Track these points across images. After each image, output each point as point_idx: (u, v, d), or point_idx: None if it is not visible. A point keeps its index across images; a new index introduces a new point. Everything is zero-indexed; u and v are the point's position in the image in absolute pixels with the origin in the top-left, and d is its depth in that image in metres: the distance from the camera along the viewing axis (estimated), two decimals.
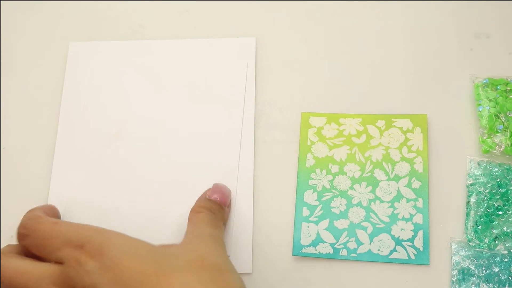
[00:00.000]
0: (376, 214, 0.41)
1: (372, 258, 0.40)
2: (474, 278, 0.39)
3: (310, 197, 0.42)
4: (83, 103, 0.47)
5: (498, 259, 0.39)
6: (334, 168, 0.43)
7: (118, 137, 0.46)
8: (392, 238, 0.41)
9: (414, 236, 0.41)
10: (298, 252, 0.41)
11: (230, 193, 0.42)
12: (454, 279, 0.39)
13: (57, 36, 0.51)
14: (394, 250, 0.40)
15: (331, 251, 0.41)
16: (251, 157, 0.44)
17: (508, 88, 0.44)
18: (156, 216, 0.43)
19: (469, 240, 0.40)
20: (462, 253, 0.40)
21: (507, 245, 0.39)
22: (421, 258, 0.40)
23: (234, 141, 0.45)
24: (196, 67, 0.48)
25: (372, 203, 0.42)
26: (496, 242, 0.40)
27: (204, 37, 0.49)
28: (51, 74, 0.49)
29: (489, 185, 0.41)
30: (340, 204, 0.42)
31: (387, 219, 0.41)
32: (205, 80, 0.47)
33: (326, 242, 0.41)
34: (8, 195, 0.45)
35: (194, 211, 0.38)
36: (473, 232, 0.40)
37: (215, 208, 0.39)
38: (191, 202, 0.40)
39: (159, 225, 0.42)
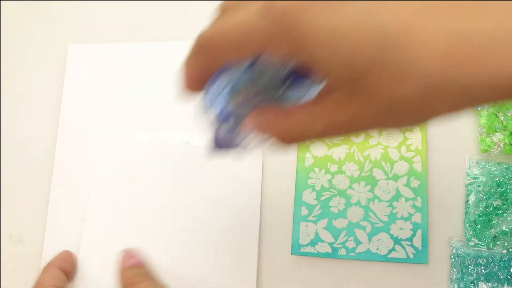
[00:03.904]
0: (375, 213, 0.41)
1: (371, 257, 0.40)
2: (472, 277, 0.39)
3: (308, 196, 0.42)
4: (83, 104, 0.47)
5: (497, 258, 0.39)
6: (333, 167, 0.43)
7: (120, 135, 0.46)
8: (391, 237, 0.41)
9: (413, 235, 0.41)
10: (297, 251, 0.41)
11: (133, 249, 0.41)
12: (452, 278, 0.39)
13: (56, 37, 0.51)
14: (393, 249, 0.40)
15: (330, 251, 0.41)
16: (259, 163, 0.44)
17: None
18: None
19: (468, 239, 0.40)
20: (461, 252, 0.40)
21: (505, 244, 0.39)
22: (420, 257, 0.40)
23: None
24: None
25: (371, 202, 0.42)
26: (495, 241, 0.40)
27: None
28: (50, 76, 0.49)
29: (488, 184, 0.41)
30: (339, 203, 0.42)
31: (386, 218, 0.41)
32: None
33: (325, 242, 0.41)
34: (8, 195, 0.45)
35: (130, 284, 0.38)
36: (471, 231, 0.40)
37: (143, 272, 0.39)
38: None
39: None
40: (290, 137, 0.26)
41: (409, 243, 0.40)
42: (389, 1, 0.22)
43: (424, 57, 0.21)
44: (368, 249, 0.40)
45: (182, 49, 0.48)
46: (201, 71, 0.28)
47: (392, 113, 0.23)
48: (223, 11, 0.27)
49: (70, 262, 0.38)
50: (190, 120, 0.46)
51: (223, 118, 0.30)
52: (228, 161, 0.44)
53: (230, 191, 0.43)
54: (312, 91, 0.27)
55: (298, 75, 0.27)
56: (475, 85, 0.21)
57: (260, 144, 0.28)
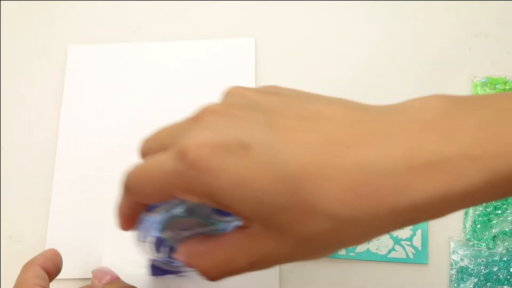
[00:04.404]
0: None
1: (370, 257, 0.40)
2: (472, 277, 0.39)
3: None
4: (84, 104, 0.47)
5: (496, 258, 0.39)
6: None
7: (120, 137, 0.46)
8: (390, 237, 0.41)
9: (412, 235, 0.41)
10: None
11: (104, 267, 0.41)
12: (452, 278, 0.39)
13: (56, 38, 0.51)
14: (393, 249, 0.40)
15: None
16: None
17: (507, 87, 0.44)
18: None
19: (468, 239, 0.40)
20: (461, 252, 0.40)
21: (505, 244, 0.39)
22: (420, 257, 0.40)
23: None
24: (196, 68, 0.48)
25: None
26: (495, 241, 0.40)
27: (203, 38, 0.49)
28: (50, 77, 0.49)
29: None
30: None
31: None
32: (205, 81, 0.47)
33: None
34: (8, 195, 0.46)
35: None
36: (471, 231, 0.40)
37: (122, 284, 0.38)
38: None
39: None
40: (216, 272, 0.27)
41: (409, 243, 0.40)
42: (290, 139, 0.23)
43: (326, 194, 0.22)
44: (368, 249, 0.40)
45: (184, 48, 0.49)
46: (131, 210, 0.30)
47: (306, 248, 0.24)
48: (143, 151, 0.29)
49: (53, 263, 0.37)
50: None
51: (156, 248, 0.32)
52: None
53: None
54: (237, 222, 0.28)
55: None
56: (376, 217, 0.22)
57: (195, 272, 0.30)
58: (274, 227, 0.24)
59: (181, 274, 0.36)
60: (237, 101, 0.26)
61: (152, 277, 0.39)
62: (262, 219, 0.24)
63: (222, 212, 0.28)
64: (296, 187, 0.22)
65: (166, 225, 0.30)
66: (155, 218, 0.30)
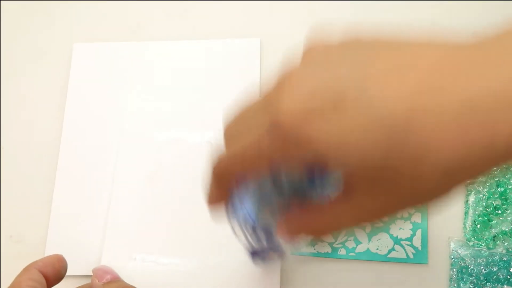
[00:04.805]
0: None
1: (370, 257, 0.40)
2: (472, 277, 0.39)
3: None
4: (88, 102, 0.47)
5: (496, 258, 0.39)
6: None
7: (123, 135, 0.46)
8: (390, 237, 0.41)
9: (412, 235, 0.41)
10: (296, 251, 0.41)
11: (104, 266, 0.41)
12: (452, 278, 0.39)
13: (57, 37, 0.51)
14: (393, 249, 0.40)
15: (330, 250, 0.41)
16: None
17: None
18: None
19: (468, 239, 0.40)
20: (461, 252, 0.40)
21: (505, 244, 0.39)
22: (420, 257, 0.40)
23: None
24: (201, 68, 0.48)
25: None
26: (495, 241, 0.40)
27: (203, 37, 0.49)
28: (54, 75, 0.49)
29: (487, 184, 0.41)
30: None
31: (385, 218, 0.41)
32: (210, 82, 0.47)
33: (325, 241, 0.41)
34: (8, 195, 0.46)
35: None
36: (471, 231, 0.40)
37: (122, 284, 0.38)
38: None
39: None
40: (322, 232, 0.28)
41: (409, 243, 0.40)
42: (384, 84, 0.21)
43: (435, 140, 0.21)
44: (368, 249, 0.41)
45: (189, 48, 0.49)
46: (222, 197, 0.30)
47: (415, 198, 0.23)
48: (228, 139, 0.28)
49: (54, 268, 0.36)
50: (187, 119, 0.46)
51: (253, 232, 0.32)
52: None
53: None
54: (336, 184, 0.27)
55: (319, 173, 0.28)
56: (491, 155, 0.21)
57: (294, 246, 0.31)
58: (382, 184, 0.23)
59: (281, 253, 0.35)
60: (318, 56, 0.24)
61: (255, 264, 0.38)
62: (368, 176, 0.23)
63: (314, 180, 0.28)
64: (401, 138, 0.21)
65: (261, 206, 0.30)
66: (248, 200, 0.30)
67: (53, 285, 0.35)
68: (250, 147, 0.25)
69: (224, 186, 0.29)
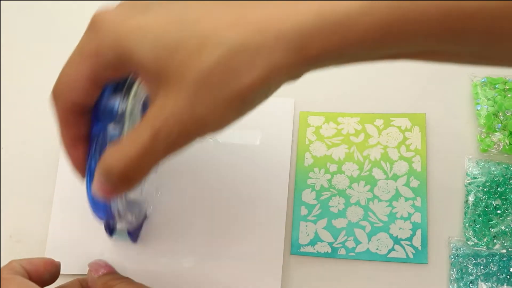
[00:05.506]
0: (374, 213, 0.41)
1: (370, 257, 0.40)
2: (472, 277, 0.39)
3: (308, 196, 0.42)
4: None
5: (496, 258, 0.39)
6: (333, 167, 0.43)
7: None
8: (390, 237, 0.41)
9: (412, 235, 0.41)
10: (296, 251, 0.41)
11: (100, 260, 0.41)
12: (452, 278, 0.39)
13: (55, 38, 0.51)
14: (393, 249, 0.40)
15: (330, 250, 0.41)
16: (286, 163, 0.44)
17: (507, 87, 0.44)
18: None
19: (467, 239, 0.40)
20: (460, 252, 0.40)
21: (505, 244, 0.39)
22: (420, 257, 0.40)
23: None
24: None
25: (371, 202, 0.42)
26: (495, 241, 0.40)
27: None
28: (54, 75, 0.49)
29: (487, 184, 0.41)
30: (338, 203, 0.42)
31: (385, 218, 0.41)
32: None
33: (325, 241, 0.41)
34: (8, 195, 0.46)
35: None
36: (471, 231, 0.40)
37: (117, 276, 0.39)
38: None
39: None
40: (135, 161, 0.27)
41: (409, 243, 0.40)
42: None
43: (217, 25, 0.24)
44: (367, 249, 0.41)
45: None
46: (72, 127, 0.32)
47: (204, 93, 0.24)
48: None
49: (38, 270, 0.36)
50: None
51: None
52: (253, 159, 0.44)
53: (254, 191, 0.43)
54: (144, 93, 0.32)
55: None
56: (264, 44, 0.23)
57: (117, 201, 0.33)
58: (172, 73, 0.25)
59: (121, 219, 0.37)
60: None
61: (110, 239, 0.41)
62: (160, 64, 0.25)
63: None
64: (190, 23, 0.25)
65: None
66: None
67: (42, 286, 0.35)
68: (73, 54, 0.30)
69: (63, 102, 0.31)
